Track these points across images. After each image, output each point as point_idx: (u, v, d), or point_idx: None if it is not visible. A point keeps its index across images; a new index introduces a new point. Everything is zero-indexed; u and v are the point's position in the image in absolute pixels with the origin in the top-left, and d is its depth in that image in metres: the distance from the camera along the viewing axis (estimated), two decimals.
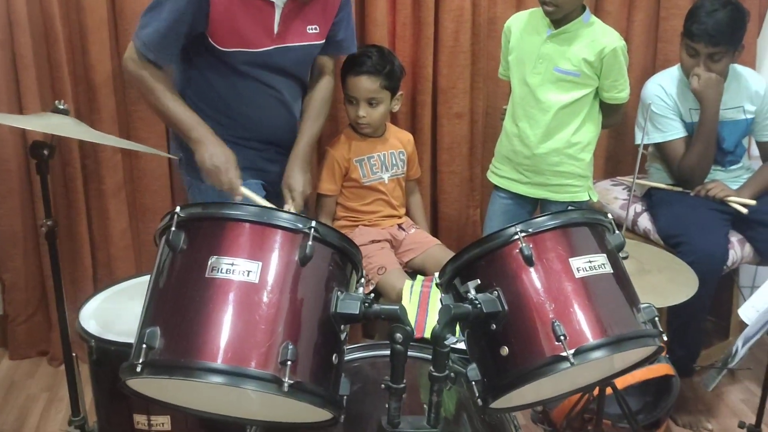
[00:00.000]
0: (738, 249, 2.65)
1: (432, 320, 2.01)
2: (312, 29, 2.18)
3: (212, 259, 1.32)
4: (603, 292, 1.41)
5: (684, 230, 2.54)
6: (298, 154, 2.25)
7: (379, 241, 2.62)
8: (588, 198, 2.65)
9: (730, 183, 2.75)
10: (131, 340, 1.32)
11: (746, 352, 1.74)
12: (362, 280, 1.48)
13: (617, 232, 1.52)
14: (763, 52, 3.16)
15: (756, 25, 3.05)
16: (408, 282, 2.28)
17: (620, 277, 1.46)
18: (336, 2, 2.23)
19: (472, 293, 1.40)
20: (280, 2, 2.07)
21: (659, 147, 2.78)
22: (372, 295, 1.41)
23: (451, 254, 2.56)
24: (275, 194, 2.33)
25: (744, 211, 2.63)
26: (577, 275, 1.39)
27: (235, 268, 1.31)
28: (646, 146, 2.72)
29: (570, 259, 1.41)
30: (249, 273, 1.31)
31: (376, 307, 1.37)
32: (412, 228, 2.73)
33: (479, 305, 1.37)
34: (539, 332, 1.36)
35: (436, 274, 2.09)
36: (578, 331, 1.34)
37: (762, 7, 3.09)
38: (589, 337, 1.34)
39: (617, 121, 2.74)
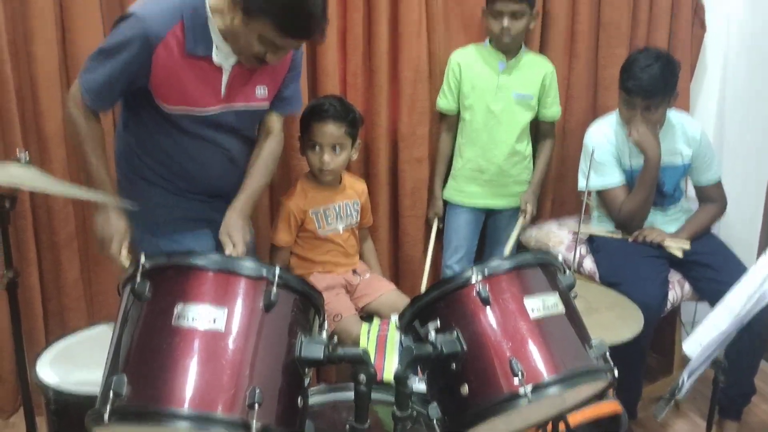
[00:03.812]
0: (678, 289, 2.76)
1: (390, 363, 2.05)
2: (260, 91, 2.18)
3: (178, 308, 1.34)
4: (556, 330, 1.48)
5: (623, 279, 2.62)
6: (236, 207, 2.19)
7: (334, 287, 2.65)
8: None
9: (670, 224, 2.86)
10: (91, 390, 1.32)
11: (692, 385, 1.82)
12: (325, 324, 1.51)
13: (568, 272, 1.59)
14: (696, 97, 3.33)
15: (688, 72, 3.22)
16: (365, 325, 2.31)
17: (572, 315, 1.53)
18: (285, 64, 2.22)
19: (432, 334, 1.45)
20: (228, 65, 2.06)
21: (599, 193, 2.89)
22: (335, 338, 1.44)
23: (405, 298, 2.66)
24: None
25: (679, 254, 2.74)
26: (532, 315, 1.46)
27: (200, 316, 1.34)
28: (588, 193, 2.83)
29: (524, 300, 1.47)
30: (215, 320, 1.34)
31: (339, 351, 1.40)
32: (367, 273, 2.77)
33: (439, 346, 1.42)
34: (497, 370, 1.41)
35: (393, 317, 2.15)
36: (534, 368, 1.40)
37: (693, 55, 3.26)
38: (545, 373, 1.40)
39: (554, 141, 3.13)
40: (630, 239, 2.79)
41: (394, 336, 2.14)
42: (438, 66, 3.01)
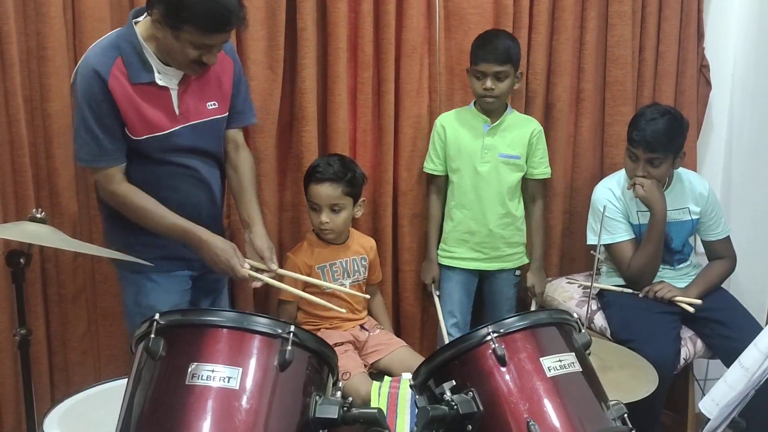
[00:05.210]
0: (690, 346, 2.73)
1: (402, 422, 2.02)
2: (211, 105, 2.30)
3: (192, 366, 1.33)
4: (574, 390, 1.46)
5: (635, 336, 2.60)
6: (262, 233, 2.34)
7: (342, 343, 2.62)
8: (527, 260, 3.05)
9: (679, 281, 2.85)
10: None
11: None
12: (339, 383, 1.49)
13: (583, 330, 1.58)
14: (703, 155, 3.35)
15: (695, 129, 3.24)
16: (375, 383, 2.29)
17: (589, 375, 1.51)
18: (228, 77, 2.33)
19: (448, 394, 1.43)
20: (173, 85, 2.19)
21: (608, 248, 2.88)
22: (350, 398, 1.42)
23: (416, 356, 2.64)
24: (204, 283, 2.44)
25: (691, 310, 2.72)
26: (549, 374, 1.45)
27: (215, 375, 1.33)
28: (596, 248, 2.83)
29: (541, 359, 1.46)
30: (229, 379, 1.33)
31: (354, 411, 1.39)
32: (376, 329, 2.75)
33: (455, 406, 1.40)
34: None
35: (404, 375, 2.13)
36: (553, 430, 1.39)
37: (699, 113, 3.29)
38: None
39: (544, 202, 3.07)
40: (640, 295, 2.78)
41: (405, 394, 2.12)
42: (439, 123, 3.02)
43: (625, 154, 2.80)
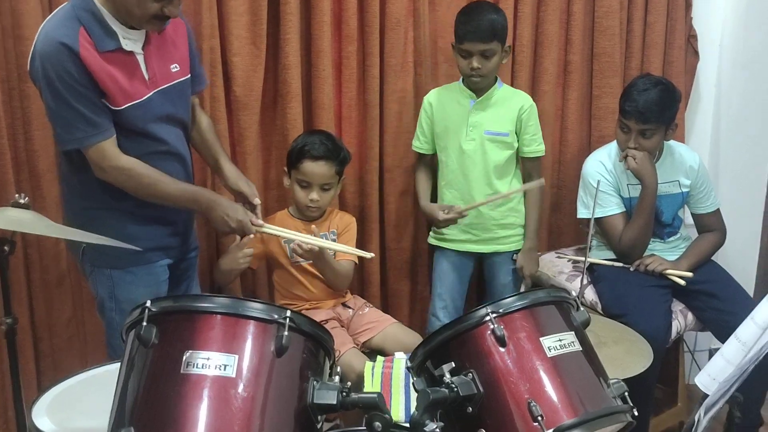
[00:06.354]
0: (681, 319, 2.73)
1: (396, 402, 2.00)
2: (174, 68, 2.24)
3: (187, 354, 1.30)
4: (574, 369, 1.45)
5: (626, 310, 2.60)
6: (237, 173, 2.42)
7: (326, 321, 2.60)
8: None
9: (669, 253, 2.85)
10: None
11: (709, 422, 1.78)
12: (337, 367, 1.47)
13: (582, 308, 1.56)
14: (691, 127, 3.34)
15: (683, 101, 3.22)
16: (369, 364, 2.26)
17: (589, 353, 1.50)
18: (183, 38, 2.28)
19: (448, 376, 1.40)
20: (139, 50, 2.12)
21: (598, 222, 2.86)
22: (349, 383, 1.39)
23: (409, 331, 2.62)
24: (178, 271, 2.38)
25: (682, 283, 2.72)
26: (549, 354, 1.43)
27: (210, 363, 1.30)
28: (587, 222, 2.81)
29: (541, 339, 1.44)
30: (225, 367, 1.30)
31: (353, 395, 1.36)
32: (366, 307, 2.73)
33: (455, 389, 1.38)
34: (515, 414, 1.38)
35: (397, 354, 2.11)
36: (554, 410, 1.37)
37: (687, 84, 3.27)
38: (565, 416, 1.36)
39: (540, 180, 2.85)
40: (631, 268, 2.77)
41: (399, 374, 2.10)
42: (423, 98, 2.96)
43: (616, 126, 2.77)
